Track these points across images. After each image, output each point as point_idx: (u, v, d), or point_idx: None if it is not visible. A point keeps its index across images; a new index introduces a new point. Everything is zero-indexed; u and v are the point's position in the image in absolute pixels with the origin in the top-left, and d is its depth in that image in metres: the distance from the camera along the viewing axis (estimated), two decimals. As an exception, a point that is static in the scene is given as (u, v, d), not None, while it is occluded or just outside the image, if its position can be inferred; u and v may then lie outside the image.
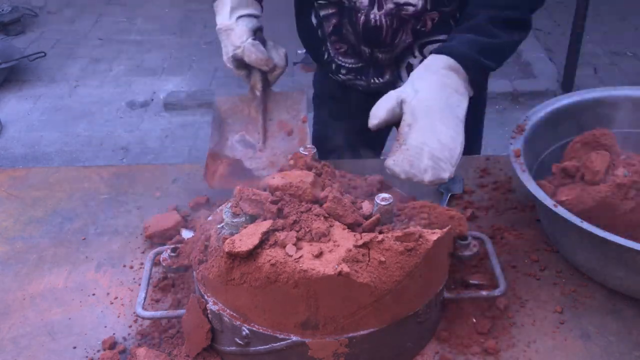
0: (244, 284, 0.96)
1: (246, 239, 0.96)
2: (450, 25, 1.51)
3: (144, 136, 4.03)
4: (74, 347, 1.12)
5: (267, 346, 0.99)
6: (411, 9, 1.47)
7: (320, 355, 0.99)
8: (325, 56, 1.67)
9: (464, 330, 1.12)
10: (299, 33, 1.74)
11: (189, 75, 4.63)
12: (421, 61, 1.45)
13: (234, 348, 1.03)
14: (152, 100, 4.40)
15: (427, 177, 1.10)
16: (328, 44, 1.63)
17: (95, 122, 4.18)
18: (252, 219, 1.06)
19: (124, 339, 1.14)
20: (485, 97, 1.89)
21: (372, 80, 1.63)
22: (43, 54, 4.77)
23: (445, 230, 1.02)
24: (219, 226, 1.09)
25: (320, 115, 1.89)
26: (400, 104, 1.16)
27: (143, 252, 1.33)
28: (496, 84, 4.38)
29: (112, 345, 1.11)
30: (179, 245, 1.18)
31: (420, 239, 0.98)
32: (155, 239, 1.34)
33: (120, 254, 1.34)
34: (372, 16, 1.49)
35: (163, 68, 4.74)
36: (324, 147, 1.57)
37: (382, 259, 0.95)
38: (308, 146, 1.24)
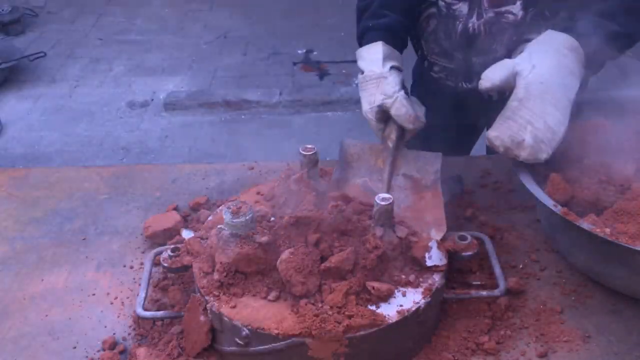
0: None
1: None
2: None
3: (144, 136, 4.03)
4: (74, 347, 1.12)
5: (267, 346, 0.99)
6: (511, 17, 1.45)
7: (320, 355, 0.99)
8: (419, 52, 1.68)
9: (464, 330, 1.12)
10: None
11: (189, 75, 4.63)
12: None
13: (234, 348, 1.03)
14: (152, 100, 4.39)
15: (524, 155, 1.15)
16: (422, 41, 1.63)
17: (95, 122, 4.18)
18: (252, 219, 1.06)
19: (124, 339, 1.14)
20: None
21: (460, 85, 1.63)
22: (43, 54, 4.76)
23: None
24: (219, 227, 1.09)
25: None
26: (515, 75, 1.17)
27: (143, 252, 1.33)
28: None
29: (112, 345, 1.11)
30: (179, 245, 1.18)
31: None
32: (155, 239, 1.34)
33: (120, 254, 1.33)
34: (470, 24, 1.48)
35: (163, 68, 4.74)
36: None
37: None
38: (308, 146, 1.23)
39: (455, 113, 1.70)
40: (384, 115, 1.34)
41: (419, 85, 1.80)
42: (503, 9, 1.45)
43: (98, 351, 1.11)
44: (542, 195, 1.18)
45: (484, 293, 1.14)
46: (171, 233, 1.34)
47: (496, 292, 1.13)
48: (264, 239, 1.05)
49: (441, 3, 1.50)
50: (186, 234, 1.33)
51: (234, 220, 1.04)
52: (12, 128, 4.12)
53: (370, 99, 1.33)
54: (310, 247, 1.06)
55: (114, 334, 1.14)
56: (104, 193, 1.52)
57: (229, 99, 4.24)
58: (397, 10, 1.45)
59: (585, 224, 1.11)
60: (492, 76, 1.19)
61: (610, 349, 1.10)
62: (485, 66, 1.39)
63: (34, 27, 5.46)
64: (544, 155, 1.15)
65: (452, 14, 1.50)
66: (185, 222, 1.39)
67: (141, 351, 1.08)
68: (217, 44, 5.03)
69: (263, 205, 1.22)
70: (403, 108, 1.30)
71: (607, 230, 1.09)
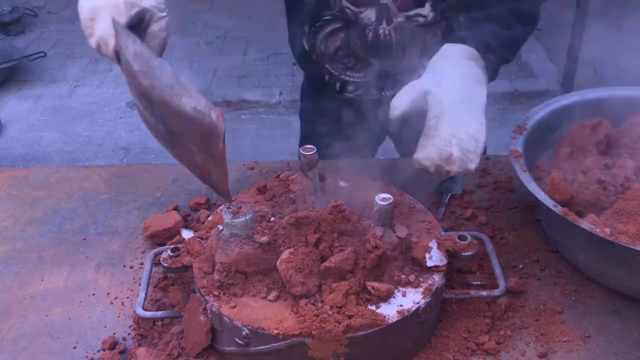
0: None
1: None
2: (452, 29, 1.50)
3: (144, 136, 4.03)
4: (74, 347, 1.12)
5: (267, 346, 0.99)
6: (421, 19, 1.45)
7: (320, 355, 0.99)
8: (327, 77, 1.62)
9: (464, 330, 1.12)
10: (297, 60, 1.70)
11: (189, 75, 4.63)
12: None
13: (234, 348, 1.03)
14: (152, 100, 4.39)
15: (455, 169, 1.11)
16: (327, 65, 1.59)
17: (95, 122, 4.18)
18: (252, 219, 1.06)
19: (124, 339, 1.14)
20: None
21: (382, 93, 1.60)
22: (43, 54, 4.77)
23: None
24: (219, 227, 1.09)
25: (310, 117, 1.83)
26: (424, 95, 1.15)
27: (143, 252, 1.33)
28: (496, 84, 4.37)
29: (112, 345, 1.11)
30: (179, 245, 1.18)
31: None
32: (155, 238, 1.34)
33: (120, 254, 1.33)
34: (381, 31, 1.46)
35: (163, 68, 4.74)
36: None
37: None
38: (308, 146, 1.23)
39: (369, 123, 1.65)
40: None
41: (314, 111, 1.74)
42: (412, 12, 1.44)
43: (98, 351, 1.11)
44: (542, 195, 1.18)
45: (484, 293, 1.14)
46: (171, 233, 1.34)
47: (496, 292, 1.13)
48: (264, 239, 1.05)
49: (348, 11, 1.47)
50: (186, 234, 1.33)
51: (234, 220, 1.04)
52: (12, 128, 4.12)
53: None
54: (310, 247, 1.06)
55: (114, 334, 1.14)
56: (104, 193, 1.52)
57: (229, 99, 4.24)
58: None
59: (585, 224, 1.11)
60: (399, 104, 1.16)
61: (610, 349, 1.10)
62: (404, 71, 1.37)
63: (34, 27, 5.46)
64: (473, 165, 1.12)
65: (360, 22, 1.47)
66: (185, 222, 1.39)
67: (141, 351, 1.08)
68: (217, 44, 5.03)
69: (263, 205, 1.22)
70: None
71: (607, 230, 1.09)
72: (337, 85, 1.62)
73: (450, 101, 1.13)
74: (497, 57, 1.23)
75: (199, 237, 1.17)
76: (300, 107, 1.90)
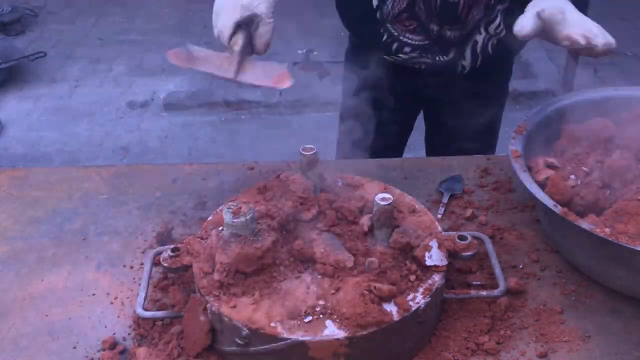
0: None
1: None
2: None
3: (144, 136, 4.03)
4: (74, 347, 1.12)
5: (267, 346, 0.99)
6: None
7: (320, 355, 0.99)
8: (385, 37, 1.65)
9: (464, 330, 1.12)
10: (343, 19, 1.75)
11: (189, 75, 4.62)
12: (485, 37, 1.58)
13: (234, 348, 1.03)
14: (152, 100, 4.40)
15: (601, 40, 1.25)
16: (388, 25, 1.62)
17: (95, 122, 4.18)
18: (252, 219, 1.06)
19: (124, 339, 1.14)
20: (506, 96, 1.93)
21: (437, 58, 1.64)
22: (43, 54, 4.76)
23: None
24: (219, 227, 1.09)
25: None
26: (538, 15, 1.27)
27: (143, 252, 1.33)
28: (496, 84, 4.38)
29: (112, 345, 1.11)
30: (179, 245, 1.18)
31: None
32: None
33: (120, 254, 1.33)
34: None
35: (163, 68, 4.74)
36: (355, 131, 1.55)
37: None
38: (308, 146, 1.23)
39: (417, 90, 1.77)
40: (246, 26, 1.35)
41: (371, 73, 1.76)
42: None
43: (98, 351, 1.11)
44: (542, 195, 1.18)
45: (484, 293, 1.14)
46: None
47: (496, 292, 1.13)
48: (265, 239, 1.05)
49: None
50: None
51: (234, 220, 1.04)
52: (12, 128, 4.12)
53: (237, 3, 1.34)
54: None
55: (114, 334, 1.14)
56: (104, 193, 1.52)
57: (229, 99, 4.24)
58: None
59: (585, 224, 1.11)
60: (526, 23, 1.28)
61: (610, 349, 1.10)
62: (458, 37, 1.57)
63: (34, 27, 5.46)
64: (613, 40, 1.26)
65: None
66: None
67: (141, 351, 1.08)
68: (217, 44, 5.02)
69: (263, 205, 1.21)
70: (268, 26, 1.35)
71: (607, 230, 1.09)
72: (395, 46, 1.65)
73: (566, 7, 1.27)
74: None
75: (199, 237, 1.17)
76: (344, 75, 1.93)
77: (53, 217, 1.45)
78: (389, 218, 1.10)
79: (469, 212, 1.40)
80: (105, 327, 1.16)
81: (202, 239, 1.16)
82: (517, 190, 1.47)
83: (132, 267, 1.30)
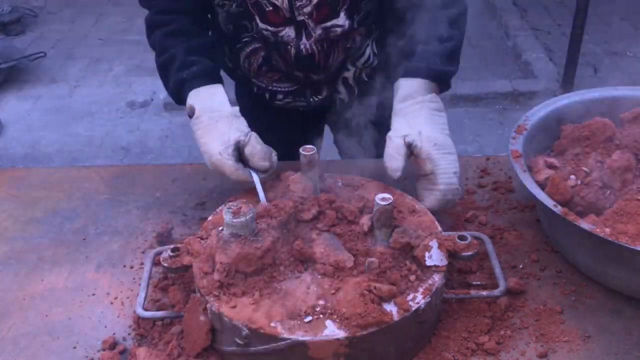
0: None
1: None
2: (373, 31, 1.57)
3: (144, 136, 4.03)
4: (74, 347, 1.12)
5: (267, 346, 0.99)
6: (339, 30, 1.47)
7: (320, 355, 0.99)
8: (255, 89, 1.66)
9: (464, 330, 1.12)
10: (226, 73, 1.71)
11: (189, 75, 4.63)
12: (356, 71, 1.58)
13: (234, 348, 1.03)
14: (152, 100, 4.40)
15: (459, 196, 1.28)
16: (253, 80, 1.63)
17: (95, 122, 4.18)
18: (252, 219, 1.06)
19: (124, 339, 1.14)
20: None
21: (311, 99, 1.65)
22: (43, 54, 4.77)
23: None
24: (219, 228, 1.09)
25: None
26: (409, 146, 1.26)
27: (143, 252, 1.33)
28: (496, 84, 4.38)
29: (112, 345, 1.11)
30: (179, 245, 1.18)
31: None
32: None
33: (120, 254, 1.34)
34: (302, 46, 1.48)
35: (163, 68, 4.74)
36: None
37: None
38: (308, 146, 1.24)
39: (302, 125, 1.75)
40: (238, 155, 1.29)
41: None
42: (329, 23, 1.46)
43: (98, 351, 1.11)
44: (542, 195, 1.18)
45: (484, 293, 1.14)
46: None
47: (496, 292, 1.13)
48: (265, 239, 1.05)
49: (266, 33, 1.48)
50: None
51: (234, 220, 1.04)
52: (12, 128, 4.12)
53: (224, 138, 1.28)
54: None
55: (114, 334, 1.14)
56: (104, 193, 1.52)
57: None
58: (206, 53, 1.45)
59: (585, 224, 1.11)
60: (396, 165, 1.26)
61: (610, 349, 1.10)
62: (329, 78, 1.57)
63: (34, 27, 5.46)
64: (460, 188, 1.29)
65: (280, 40, 1.49)
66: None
67: (141, 351, 1.08)
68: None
69: (263, 205, 1.21)
70: (258, 146, 1.29)
71: (607, 230, 1.09)
72: (267, 95, 1.66)
73: (434, 149, 1.26)
74: (449, 78, 1.38)
75: (199, 237, 1.17)
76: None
77: (53, 217, 1.45)
78: (389, 218, 1.10)
79: (469, 212, 1.39)
80: (105, 327, 1.16)
81: (202, 239, 1.16)
82: (517, 190, 1.47)
83: (132, 267, 1.30)
